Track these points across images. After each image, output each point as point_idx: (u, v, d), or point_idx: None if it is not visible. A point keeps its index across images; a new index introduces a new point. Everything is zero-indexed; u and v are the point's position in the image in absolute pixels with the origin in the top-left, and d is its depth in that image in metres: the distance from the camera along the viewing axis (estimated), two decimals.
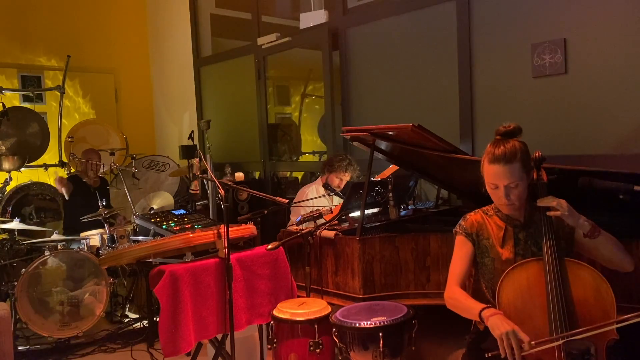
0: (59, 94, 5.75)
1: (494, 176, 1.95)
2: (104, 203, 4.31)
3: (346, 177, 3.97)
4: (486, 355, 1.77)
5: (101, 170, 4.90)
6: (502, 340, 1.73)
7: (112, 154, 5.06)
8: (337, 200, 3.98)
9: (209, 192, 4.87)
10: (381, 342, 2.22)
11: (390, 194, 3.10)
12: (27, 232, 4.43)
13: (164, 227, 3.52)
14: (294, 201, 3.95)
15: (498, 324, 1.77)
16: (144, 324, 4.11)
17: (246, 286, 2.74)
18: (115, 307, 4.40)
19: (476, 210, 2.15)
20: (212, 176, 3.29)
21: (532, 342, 1.71)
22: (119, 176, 4.87)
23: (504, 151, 1.93)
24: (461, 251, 2.10)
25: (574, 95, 3.07)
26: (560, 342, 1.73)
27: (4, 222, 4.16)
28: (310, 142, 6.37)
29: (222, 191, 2.66)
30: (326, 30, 4.43)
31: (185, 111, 6.38)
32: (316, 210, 3.21)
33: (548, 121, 3.18)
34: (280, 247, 2.82)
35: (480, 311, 1.85)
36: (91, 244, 4.11)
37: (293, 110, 6.61)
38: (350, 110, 4.42)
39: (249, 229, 2.90)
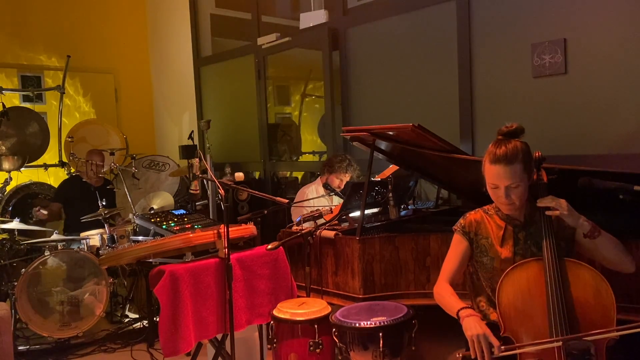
0: (59, 93, 5.74)
1: (495, 176, 1.95)
2: (104, 203, 4.31)
3: (346, 178, 3.97)
4: (457, 355, 1.82)
5: (102, 171, 4.90)
6: (473, 342, 1.79)
7: (112, 154, 5.06)
8: (337, 200, 3.98)
9: (209, 192, 4.86)
10: (381, 342, 2.22)
11: (390, 194, 3.10)
12: (27, 232, 4.43)
13: (164, 227, 3.52)
14: (293, 201, 3.95)
15: (471, 326, 1.82)
16: (144, 324, 4.11)
17: (246, 286, 2.74)
18: (115, 307, 4.40)
19: (477, 210, 2.16)
20: (212, 176, 3.30)
21: (502, 347, 1.76)
22: (119, 176, 4.87)
23: (505, 151, 1.93)
24: (456, 249, 2.12)
25: (574, 95, 3.07)
26: (532, 348, 1.77)
27: (4, 222, 4.15)
28: (310, 142, 6.37)
29: (222, 191, 2.66)
30: (326, 30, 4.43)
31: (185, 111, 6.38)
32: (316, 210, 3.22)
33: (548, 121, 3.18)
34: (280, 247, 2.82)
35: (458, 310, 1.90)
36: (91, 244, 4.11)
37: (293, 110, 6.61)
38: (350, 110, 4.41)
39: (249, 229, 2.90)
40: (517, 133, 2.01)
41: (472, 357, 1.79)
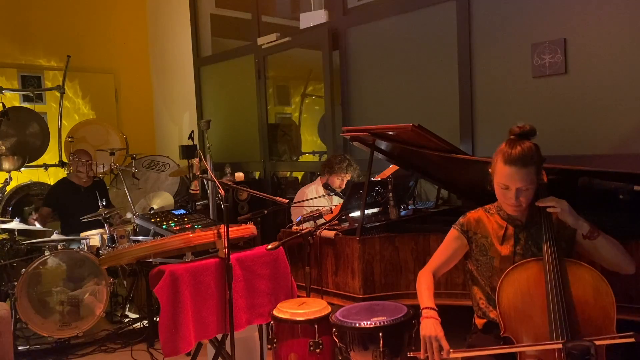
0: (59, 94, 5.75)
1: (508, 177, 1.91)
2: (104, 203, 4.31)
3: (347, 177, 3.98)
4: (408, 355, 1.88)
5: (101, 170, 4.90)
6: (425, 342, 1.85)
7: (112, 154, 5.06)
8: (337, 200, 3.98)
9: (209, 192, 4.87)
10: (381, 342, 2.22)
11: (390, 194, 3.10)
12: (27, 232, 4.43)
13: (164, 227, 3.52)
14: (293, 202, 3.95)
15: (427, 326, 1.88)
16: (144, 324, 4.11)
17: (246, 286, 2.74)
18: (115, 307, 4.40)
19: (478, 209, 2.15)
20: (212, 176, 3.29)
21: (451, 350, 1.82)
22: (119, 176, 4.87)
23: (521, 153, 1.89)
24: (449, 244, 2.15)
25: (574, 95, 3.08)
26: (484, 352, 1.82)
27: (4, 222, 4.15)
28: (310, 142, 6.38)
29: (222, 191, 2.66)
30: (326, 30, 4.43)
31: (185, 111, 6.38)
32: (316, 210, 3.22)
33: (548, 121, 3.18)
34: (280, 247, 2.82)
35: (423, 308, 1.97)
36: (91, 244, 4.11)
37: (293, 110, 6.62)
38: (350, 110, 4.41)
39: (249, 229, 2.90)
40: (530, 134, 1.96)
41: (422, 357, 1.85)
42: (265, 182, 5.29)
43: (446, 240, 2.16)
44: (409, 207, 3.56)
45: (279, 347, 2.56)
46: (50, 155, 5.68)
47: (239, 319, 2.69)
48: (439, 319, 1.92)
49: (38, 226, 4.29)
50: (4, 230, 4.22)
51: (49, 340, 3.81)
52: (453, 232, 2.14)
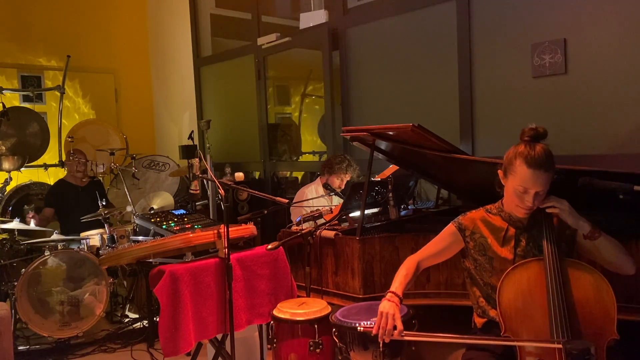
0: (58, 94, 5.75)
1: (530, 180, 1.87)
2: (104, 203, 4.31)
3: (347, 177, 3.98)
4: (358, 328, 1.95)
5: (100, 170, 4.90)
6: (380, 318, 1.91)
7: (112, 154, 5.06)
8: (337, 200, 3.98)
9: (209, 192, 4.87)
10: (381, 342, 2.21)
11: (390, 194, 3.10)
12: (27, 232, 4.43)
13: (164, 227, 3.52)
14: (293, 202, 3.95)
15: (386, 305, 1.93)
16: (144, 324, 4.11)
17: (246, 286, 2.74)
18: (115, 307, 4.40)
19: (479, 208, 2.15)
20: (212, 176, 3.29)
21: (403, 332, 1.87)
22: (119, 176, 4.87)
23: (543, 156, 1.87)
24: (444, 239, 2.15)
25: (574, 95, 3.07)
26: (449, 339, 1.84)
27: (4, 222, 4.15)
28: (310, 142, 6.37)
29: (222, 191, 2.66)
30: (326, 30, 4.43)
31: (185, 111, 6.38)
32: (316, 210, 3.22)
33: (548, 121, 3.16)
34: (280, 247, 2.81)
35: (389, 291, 2.00)
36: (91, 244, 4.11)
37: (293, 110, 6.61)
38: (350, 110, 4.41)
39: (249, 229, 2.90)
40: (542, 136, 1.94)
41: (373, 333, 1.91)
42: (265, 182, 5.29)
43: (442, 233, 2.16)
44: (409, 207, 3.56)
45: (279, 347, 2.56)
46: (50, 155, 5.68)
47: (239, 319, 2.69)
48: (399, 305, 1.95)
49: (32, 225, 4.28)
50: (4, 230, 4.22)
51: (49, 340, 3.81)
52: (450, 228, 2.14)
